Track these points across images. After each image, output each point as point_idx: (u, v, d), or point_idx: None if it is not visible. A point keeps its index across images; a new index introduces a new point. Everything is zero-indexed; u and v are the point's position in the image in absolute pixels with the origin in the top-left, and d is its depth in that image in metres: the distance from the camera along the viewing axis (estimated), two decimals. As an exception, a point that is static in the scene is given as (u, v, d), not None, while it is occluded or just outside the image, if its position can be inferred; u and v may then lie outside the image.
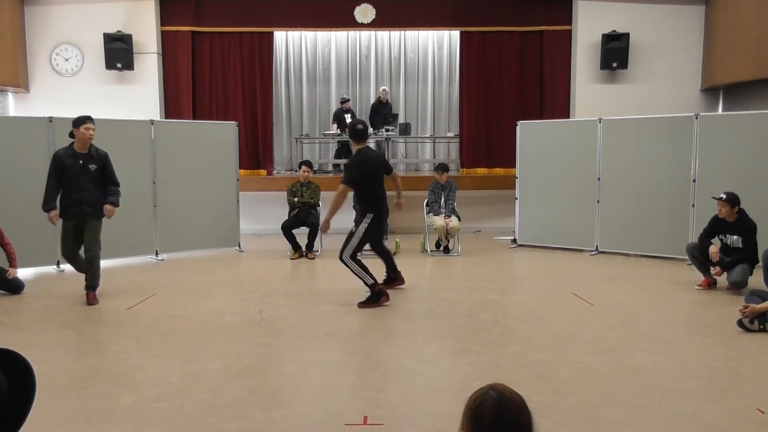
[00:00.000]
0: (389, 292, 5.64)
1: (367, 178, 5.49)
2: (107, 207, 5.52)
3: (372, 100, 10.86)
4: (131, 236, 7.60)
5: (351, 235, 5.53)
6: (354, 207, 8.16)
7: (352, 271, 5.47)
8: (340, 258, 5.50)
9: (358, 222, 5.63)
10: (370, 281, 5.42)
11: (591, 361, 3.99)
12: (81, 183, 5.42)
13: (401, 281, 6.12)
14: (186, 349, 4.29)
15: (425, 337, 4.57)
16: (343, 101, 10.23)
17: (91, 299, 5.54)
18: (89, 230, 5.51)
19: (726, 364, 3.94)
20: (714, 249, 5.88)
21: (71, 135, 5.47)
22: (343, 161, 10.67)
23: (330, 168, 10.95)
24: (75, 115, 5.57)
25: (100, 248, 5.59)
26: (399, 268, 6.13)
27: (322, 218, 8.28)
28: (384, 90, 10.48)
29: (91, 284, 5.58)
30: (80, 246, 5.61)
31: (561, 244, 8.39)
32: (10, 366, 1.39)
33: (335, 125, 10.26)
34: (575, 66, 9.88)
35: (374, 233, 5.63)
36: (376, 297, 5.42)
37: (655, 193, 7.61)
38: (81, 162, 5.44)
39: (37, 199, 6.73)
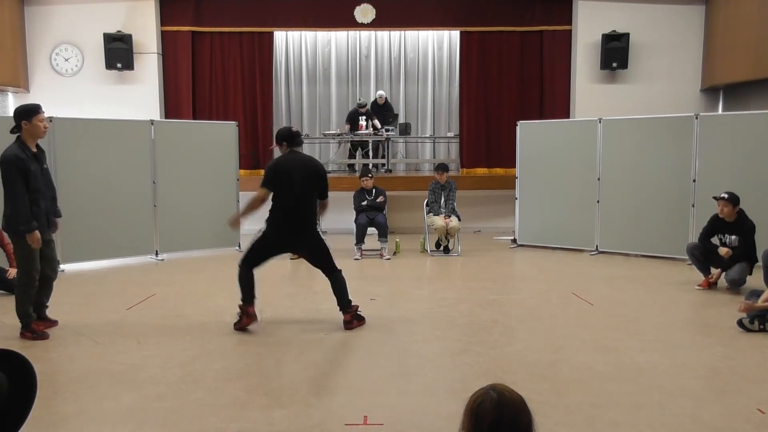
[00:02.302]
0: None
1: (277, 183, 4.70)
2: (57, 221, 4.77)
3: (372, 100, 10.84)
4: (131, 236, 7.60)
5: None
6: (354, 208, 8.19)
7: (237, 279, 4.82)
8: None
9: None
10: (241, 301, 4.78)
11: (591, 361, 3.99)
12: (42, 188, 4.48)
13: (350, 322, 4.85)
14: (186, 349, 4.29)
15: (425, 337, 4.57)
16: (360, 106, 10.20)
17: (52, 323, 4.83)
18: (52, 244, 4.73)
19: (726, 364, 3.94)
20: (724, 250, 5.85)
21: (16, 129, 4.37)
22: (354, 161, 10.71)
23: (331, 168, 10.95)
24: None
25: None
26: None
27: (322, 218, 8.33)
28: (380, 95, 10.48)
29: (46, 305, 4.85)
30: None
31: (561, 244, 8.39)
32: (11, 366, 1.39)
33: (348, 126, 10.26)
34: (575, 66, 9.88)
35: (268, 247, 4.81)
36: (240, 317, 4.78)
37: (655, 193, 7.60)
38: (38, 163, 4.47)
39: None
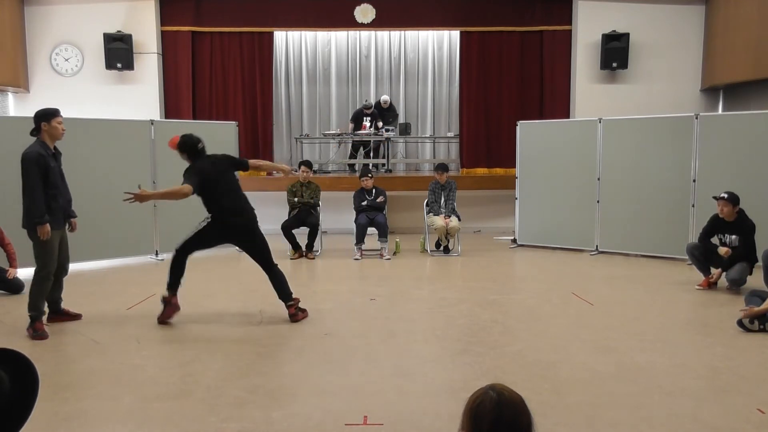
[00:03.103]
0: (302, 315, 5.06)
1: (206, 185, 4.83)
2: (75, 221, 4.99)
3: (372, 100, 10.86)
4: (131, 236, 7.60)
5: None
6: (354, 208, 8.19)
7: (170, 264, 5.01)
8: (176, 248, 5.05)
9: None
10: (167, 287, 4.95)
11: (591, 361, 3.99)
12: (61, 186, 4.75)
13: (295, 314, 5.00)
14: (186, 349, 4.29)
15: (425, 337, 4.57)
16: (366, 107, 10.20)
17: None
18: (66, 240, 4.93)
19: (726, 364, 3.94)
20: (724, 249, 5.86)
21: (36, 131, 4.62)
22: (354, 161, 10.71)
23: (331, 168, 10.95)
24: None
25: None
26: (295, 295, 5.07)
27: (322, 218, 8.34)
28: (384, 100, 10.51)
29: (61, 298, 5.03)
30: None
31: (561, 244, 8.39)
32: (13, 366, 1.39)
33: (352, 125, 10.27)
34: (575, 66, 9.88)
35: (210, 237, 5.00)
36: (164, 308, 4.95)
37: (655, 193, 7.60)
38: (57, 161, 4.74)
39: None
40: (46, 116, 4.61)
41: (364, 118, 10.06)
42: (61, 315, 5.00)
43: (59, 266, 4.83)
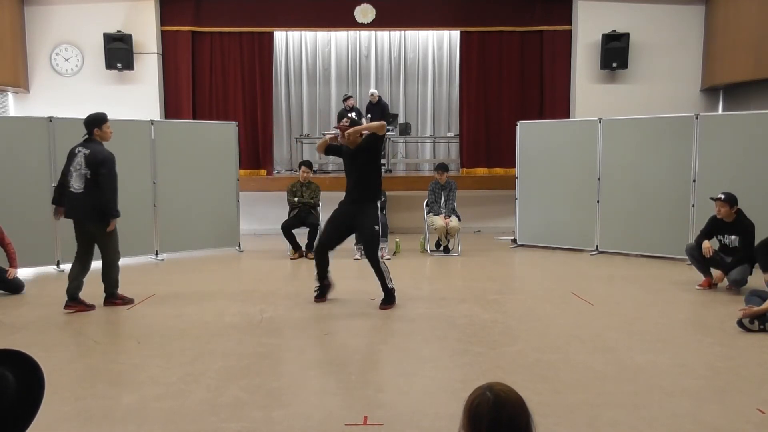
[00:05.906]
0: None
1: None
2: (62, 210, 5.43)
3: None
4: (131, 236, 7.57)
5: (375, 235, 5.33)
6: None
7: (384, 274, 5.38)
8: (376, 262, 5.36)
9: (371, 218, 5.33)
10: (388, 283, 5.43)
11: (591, 361, 3.99)
12: None
13: (323, 298, 5.66)
14: (186, 349, 4.29)
15: (425, 337, 4.57)
16: (345, 98, 10.18)
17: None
18: None
19: (726, 364, 3.94)
20: (707, 245, 5.88)
21: (91, 135, 5.14)
22: None
23: (330, 168, 10.95)
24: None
25: None
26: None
27: (322, 218, 8.33)
28: (371, 93, 10.47)
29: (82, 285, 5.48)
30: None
31: (561, 244, 8.39)
32: (19, 367, 1.39)
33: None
34: (575, 66, 9.88)
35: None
36: (393, 296, 5.45)
37: (655, 193, 7.60)
38: None
39: (37, 199, 6.75)
40: (97, 122, 5.11)
41: (350, 114, 10.01)
42: (77, 303, 5.29)
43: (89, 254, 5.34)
